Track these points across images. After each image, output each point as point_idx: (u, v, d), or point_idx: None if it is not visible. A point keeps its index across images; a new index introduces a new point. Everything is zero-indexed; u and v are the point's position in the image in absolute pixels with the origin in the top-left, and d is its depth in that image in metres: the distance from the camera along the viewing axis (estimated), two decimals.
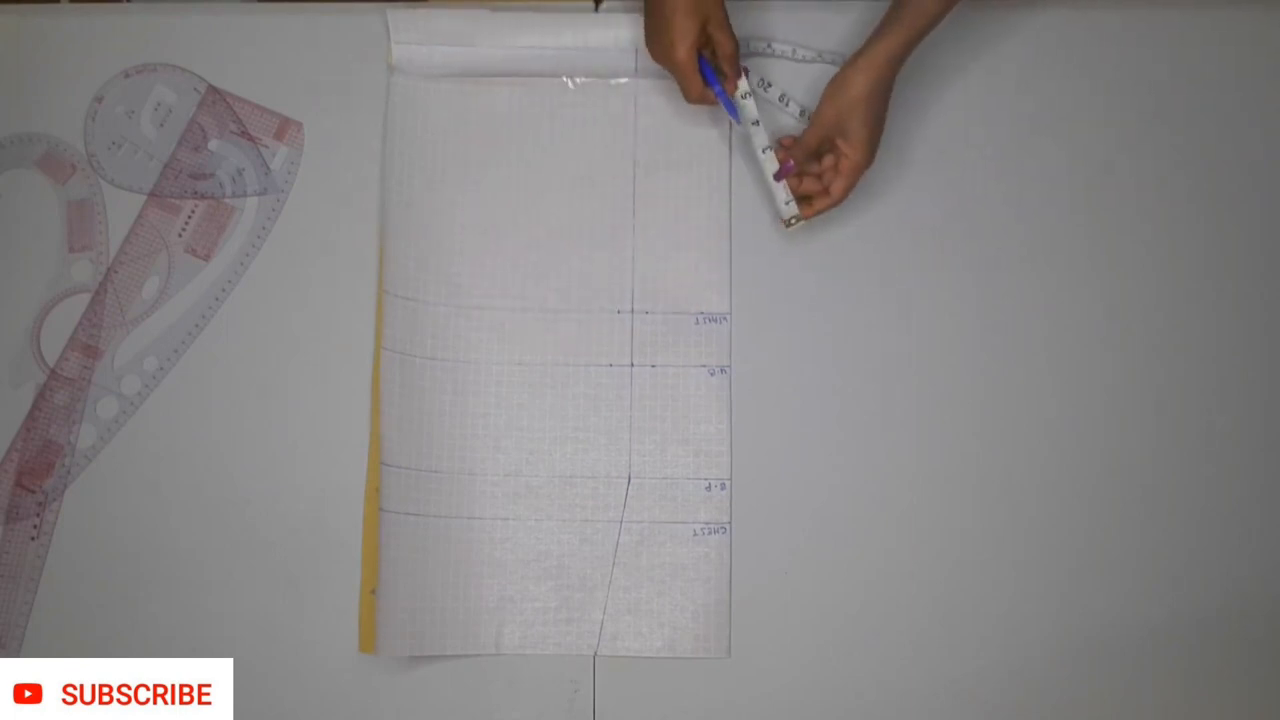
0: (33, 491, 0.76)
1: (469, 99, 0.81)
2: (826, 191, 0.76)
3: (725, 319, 0.80)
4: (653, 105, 0.81)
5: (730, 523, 0.78)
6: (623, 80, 0.82)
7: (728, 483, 0.78)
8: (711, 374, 0.79)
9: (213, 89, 0.81)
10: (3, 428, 0.78)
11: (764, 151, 0.77)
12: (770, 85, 0.81)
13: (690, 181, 0.81)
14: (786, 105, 0.81)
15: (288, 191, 0.80)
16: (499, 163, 0.81)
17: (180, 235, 0.79)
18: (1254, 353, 0.79)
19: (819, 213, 0.77)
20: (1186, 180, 0.81)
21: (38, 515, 0.77)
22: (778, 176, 0.77)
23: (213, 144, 0.81)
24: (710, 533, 0.78)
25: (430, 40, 0.81)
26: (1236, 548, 0.77)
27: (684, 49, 0.73)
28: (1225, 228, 0.80)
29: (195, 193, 0.80)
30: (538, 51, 0.81)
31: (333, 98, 0.82)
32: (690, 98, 0.76)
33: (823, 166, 0.76)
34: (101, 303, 0.79)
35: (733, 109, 0.75)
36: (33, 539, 0.77)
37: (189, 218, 0.80)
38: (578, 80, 0.82)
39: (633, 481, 0.78)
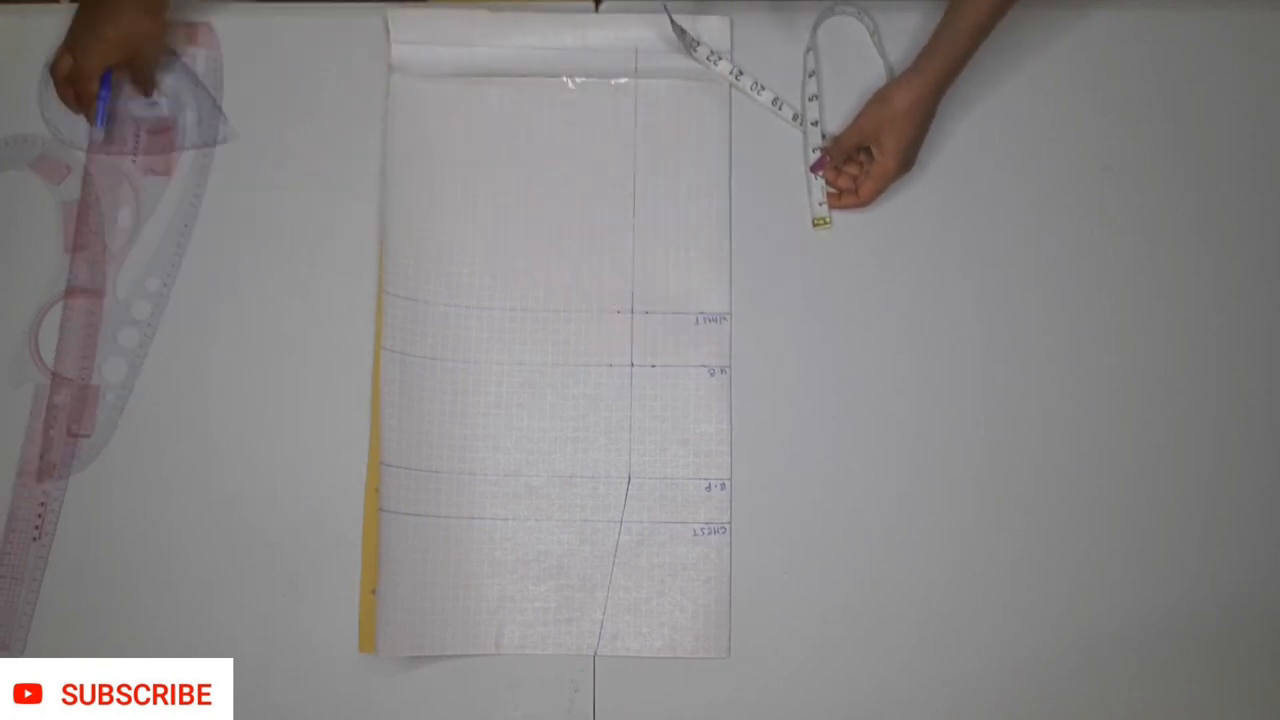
0: (86, 436, 0.77)
1: (469, 99, 0.81)
2: (855, 191, 0.79)
3: (725, 319, 0.80)
4: (653, 105, 0.81)
5: (730, 523, 0.78)
6: (623, 80, 0.82)
7: (728, 483, 0.78)
8: (711, 374, 0.79)
9: None
10: (2, 428, 0.78)
11: (814, 151, 0.80)
12: (764, 89, 0.81)
13: (690, 181, 0.81)
14: (780, 109, 0.81)
15: (220, 92, 0.81)
16: (499, 162, 0.81)
17: (134, 161, 0.81)
18: (1255, 354, 0.79)
19: (844, 209, 0.80)
20: (1188, 180, 0.81)
21: (39, 516, 0.77)
22: (812, 170, 0.80)
23: (167, 95, 0.82)
24: (710, 533, 0.78)
25: (430, 40, 0.81)
26: (1237, 548, 0.77)
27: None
28: (1228, 228, 0.81)
29: (154, 148, 0.81)
30: (538, 51, 0.81)
31: (333, 98, 0.81)
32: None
33: (856, 168, 0.79)
34: (84, 247, 0.79)
35: (102, 120, 0.79)
36: (34, 539, 0.77)
37: (135, 142, 0.81)
38: (578, 80, 0.82)
39: (633, 481, 0.78)
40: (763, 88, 0.81)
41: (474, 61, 0.81)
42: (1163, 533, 0.78)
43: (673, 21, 0.79)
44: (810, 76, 0.81)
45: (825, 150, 0.80)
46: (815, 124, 0.81)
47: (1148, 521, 0.78)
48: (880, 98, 0.76)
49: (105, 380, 0.78)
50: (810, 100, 0.81)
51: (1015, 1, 0.73)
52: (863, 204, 0.79)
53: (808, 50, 0.82)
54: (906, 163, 0.77)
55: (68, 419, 0.77)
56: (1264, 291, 0.80)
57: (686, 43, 0.80)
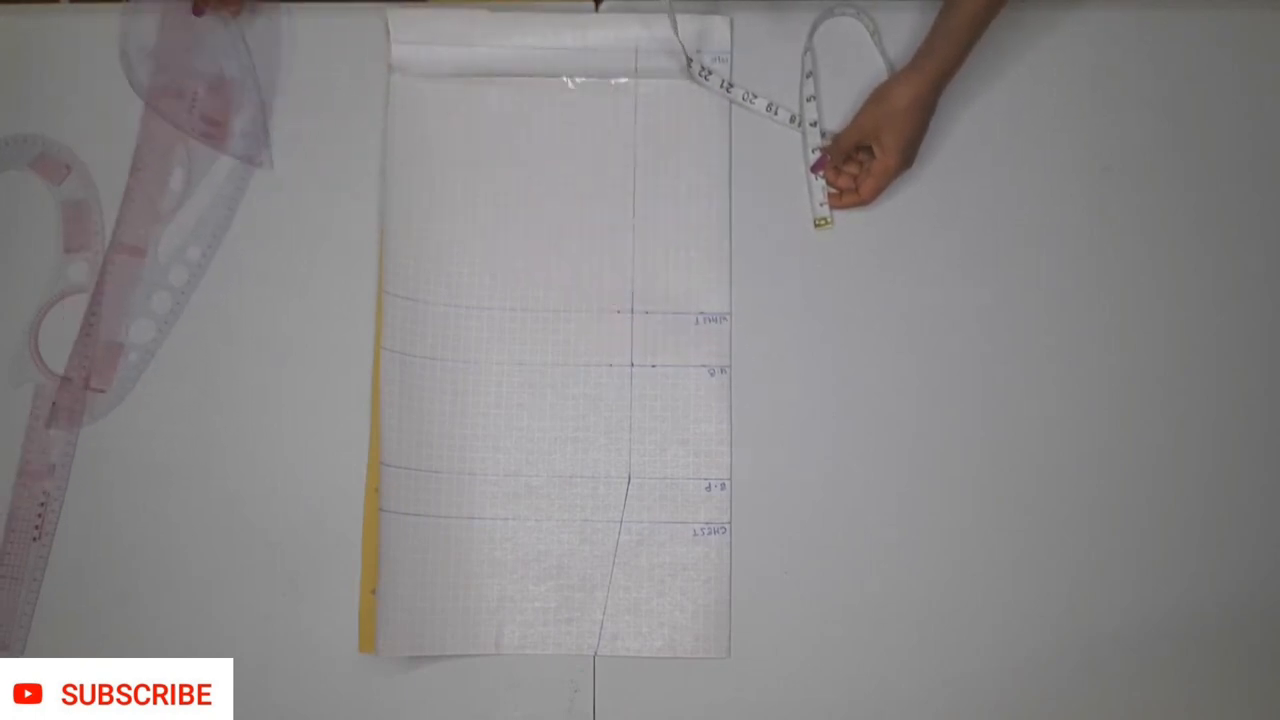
0: (101, 391, 0.77)
1: (469, 99, 0.81)
2: (856, 190, 0.79)
3: (725, 319, 0.80)
4: (653, 105, 0.81)
5: (730, 523, 0.78)
6: (623, 80, 0.82)
7: (728, 483, 0.78)
8: (711, 374, 0.79)
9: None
10: (2, 428, 0.78)
11: (813, 151, 0.80)
12: (757, 96, 0.81)
13: (690, 181, 0.81)
14: (775, 114, 0.81)
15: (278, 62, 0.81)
16: (499, 162, 0.81)
17: (190, 114, 0.81)
18: (1255, 354, 0.79)
19: (845, 208, 0.80)
20: (1188, 180, 0.81)
21: (39, 516, 0.77)
22: (812, 170, 0.80)
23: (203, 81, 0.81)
24: (710, 533, 0.78)
25: (430, 40, 0.81)
26: (1237, 548, 0.78)
27: None
28: (1228, 228, 0.81)
29: (196, 131, 0.81)
30: (538, 51, 0.81)
31: (333, 98, 0.81)
32: None
33: (856, 167, 0.79)
34: (133, 203, 0.80)
35: None
36: (34, 539, 0.77)
37: (192, 104, 0.81)
38: (578, 80, 0.82)
39: (633, 481, 0.78)
40: (755, 96, 0.81)
41: (474, 61, 0.81)
42: (1163, 533, 0.78)
43: (677, 35, 0.79)
44: (808, 77, 0.81)
45: (825, 150, 0.80)
46: (814, 124, 0.81)
47: (1148, 521, 0.78)
48: (879, 95, 0.76)
49: (130, 341, 0.79)
50: (808, 101, 0.81)
51: None
52: (864, 202, 0.79)
53: (805, 51, 0.82)
54: (907, 160, 0.77)
55: (88, 375, 0.78)
56: (1264, 291, 0.80)
57: (694, 70, 0.80)
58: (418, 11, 0.81)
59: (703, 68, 0.80)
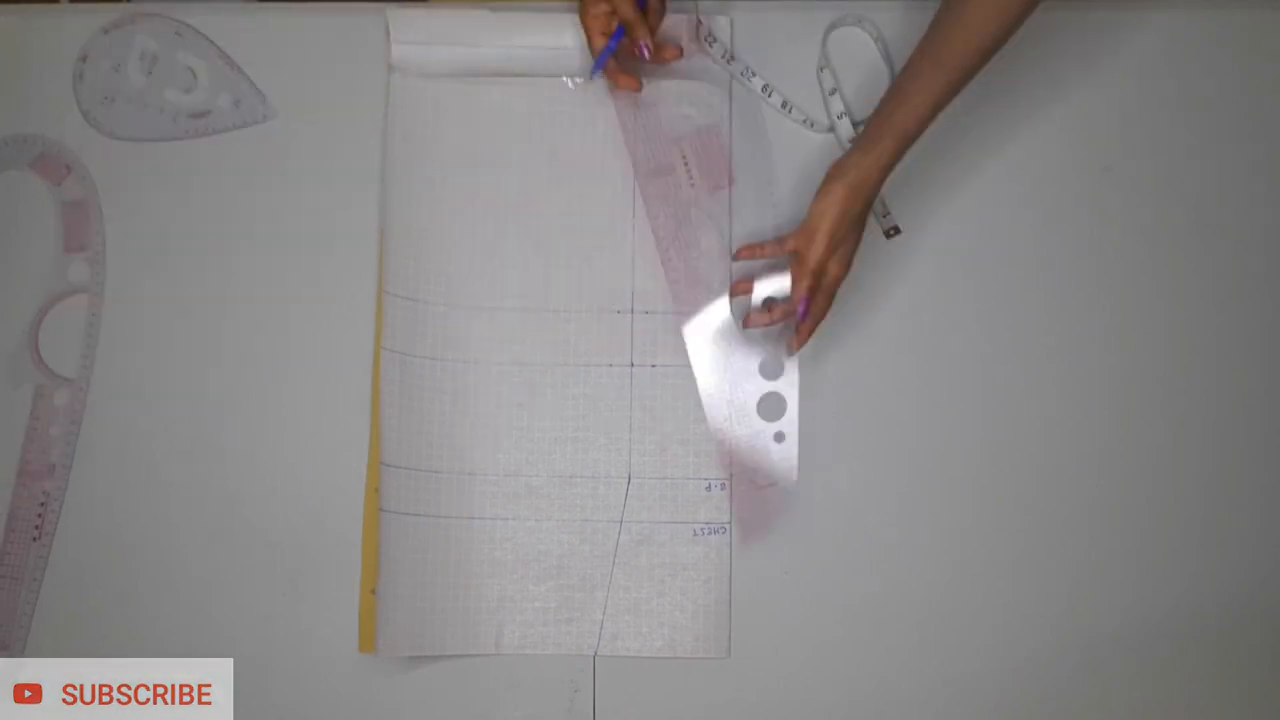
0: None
1: (469, 99, 0.81)
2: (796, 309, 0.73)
3: None
4: (653, 105, 0.81)
5: (730, 523, 0.78)
6: None
7: (728, 483, 0.78)
8: None
9: (187, 25, 0.81)
10: (2, 428, 0.78)
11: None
12: (755, 74, 0.81)
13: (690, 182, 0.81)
14: (769, 96, 0.81)
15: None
16: (499, 162, 0.81)
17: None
18: (1255, 354, 0.79)
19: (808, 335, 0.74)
20: (1188, 180, 0.81)
21: (39, 516, 0.77)
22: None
23: (203, 81, 0.81)
24: (710, 533, 0.78)
25: (430, 40, 0.81)
26: (1237, 548, 0.78)
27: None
28: (1228, 228, 0.81)
29: (197, 132, 0.80)
30: (538, 51, 0.81)
31: (333, 98, 0.81)
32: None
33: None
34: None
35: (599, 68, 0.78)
36: (34, 539, 0.77)
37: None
38: (578, 80, 0.82)
39: (633, 481, 0.78)
40: (754, 73, 0.81)
41: (474, 61, 0.81)
42: (1163, 533, 0.78)
43: (699, 18, 0.79)
44: (832, 94, 0.80)
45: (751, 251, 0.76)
46: (843, 118, 0.80)
47: (1148, 521, 0.78)
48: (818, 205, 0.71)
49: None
50: (839, 118, 0.80)
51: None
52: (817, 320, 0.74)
53: (821, 69, 0.81)
54: (843, 265, 0.72)
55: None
56: (1264, 291, 0.80)
57: (702, 34, 0.79)
58: (418, 11, 0.81)
59: (709, 33, 0.80)
